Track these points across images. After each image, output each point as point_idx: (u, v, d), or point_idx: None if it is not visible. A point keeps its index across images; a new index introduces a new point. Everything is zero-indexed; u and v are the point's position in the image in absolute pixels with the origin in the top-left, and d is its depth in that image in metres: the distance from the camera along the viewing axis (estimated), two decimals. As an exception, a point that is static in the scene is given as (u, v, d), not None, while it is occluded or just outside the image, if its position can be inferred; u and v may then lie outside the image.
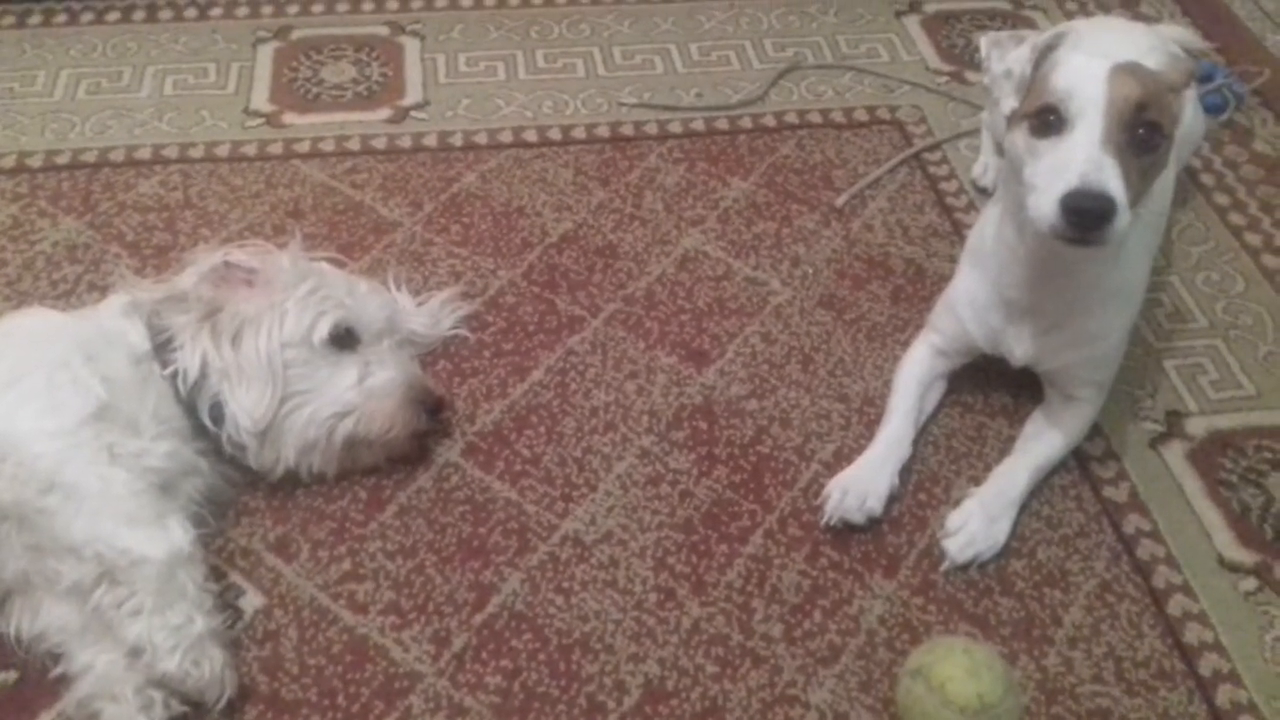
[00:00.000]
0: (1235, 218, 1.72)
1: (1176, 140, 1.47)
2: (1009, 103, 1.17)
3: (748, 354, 1.48)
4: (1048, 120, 1.11)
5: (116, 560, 1.05)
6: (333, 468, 1.28)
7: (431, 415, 1.31)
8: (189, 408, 1.21)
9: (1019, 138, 1.14)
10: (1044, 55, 1.16)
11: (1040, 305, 1.28)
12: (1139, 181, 1.11)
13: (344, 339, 1.27)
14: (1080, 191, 1.06)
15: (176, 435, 1.19)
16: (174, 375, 1.20)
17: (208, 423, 1.21)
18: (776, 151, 1.79)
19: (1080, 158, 1.07)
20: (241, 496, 1.27)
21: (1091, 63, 1.11)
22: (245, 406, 1.21)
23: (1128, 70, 1.10)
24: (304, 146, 1.74)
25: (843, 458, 1.35)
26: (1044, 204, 1.08)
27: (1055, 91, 1.11)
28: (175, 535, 1.08)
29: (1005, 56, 1.18)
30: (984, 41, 1.21)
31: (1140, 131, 1.09)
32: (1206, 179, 1.78)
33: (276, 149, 1.73)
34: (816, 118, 1.86)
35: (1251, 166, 1.81)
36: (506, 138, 1.78)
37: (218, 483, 1.24)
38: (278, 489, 1.28)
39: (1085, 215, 1.06)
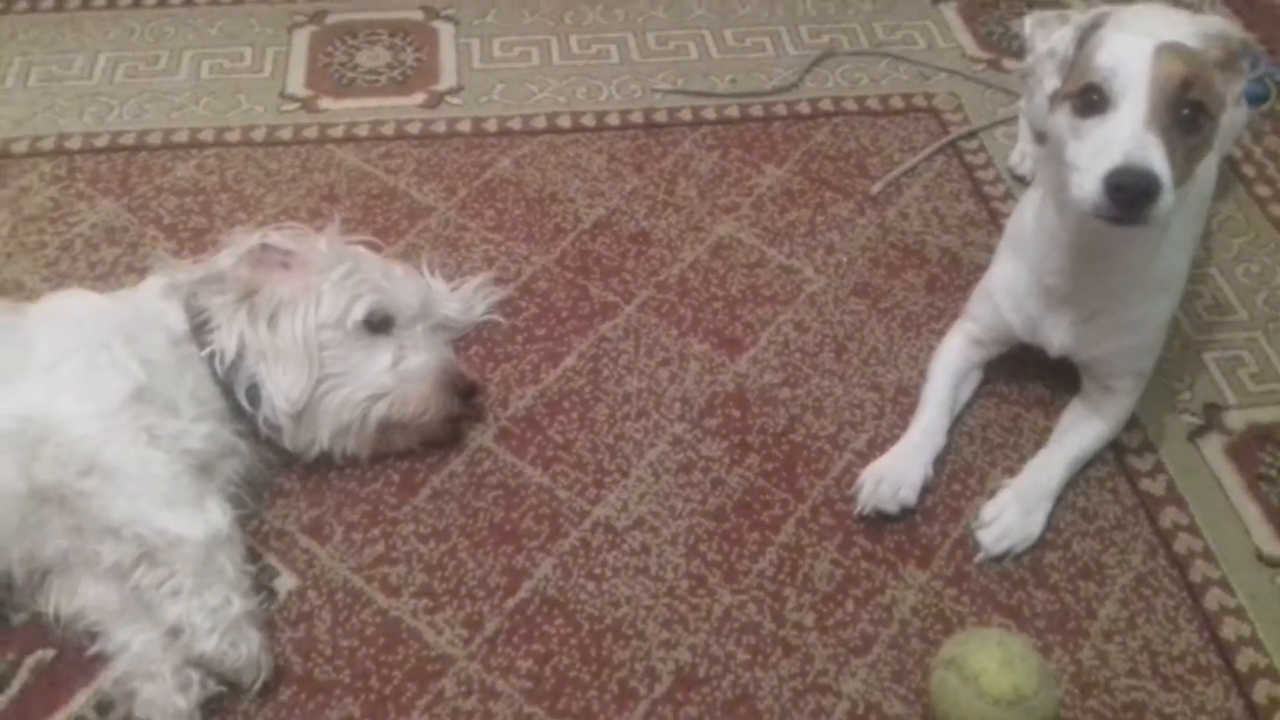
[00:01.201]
0: (1277, 209, 1.70)
1: (1221, 126, 1.46)
2: (1052, 82, 1.16)
3: (781, 342, 1.47)
4: (1091, 99, 1.10)
5: (156, 541, 1.06)
6: (366, 450, 1.29)
7: (465, 400, 1.32)
8: (226, 389, 1.22)
9: (1062, 118, 1.13)
10: (1088, 35, 1.15)
11: (1080, 292, 1.27)
12: (1183, 162, 1.09)
13: (379, 323, 1.28)
14: (1124, 169, 1.04)
15: (214, 416, 1.20)
16: (211, 356, 1.21)
17: (245, 404, 1.22)
18: (811, 139, 1.78)
19: (1125, 135, 1.06)
20: (277, 478, 1.28)
21: (1136, 41, 1.10)
22: (282, 388, 1.22)
23: (1173, 49, 1.09)
24: (339, 131, 1.74)
25: (876, 447, 1.35)
26: (1087, 183, 1.07)
27: (1099, 70, 1.09)
28: (214, 516, 1.09)
29: (1050, 35, 1.17)
30: (1028, 20, 1.20)
31: (1185, 111, 1.07)
32: (1248, 170, 1.76)
33: (312, 133, 1.74)
34: (852, 105, 1.85)
35: (1294, 157, 1.78)
36: (540, 123, 1.78)
37: (255, 464, 1.25)
38: (312, 471, 1.29)
39: (1130, 193, 1.04)
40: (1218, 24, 1.17)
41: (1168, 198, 1.05)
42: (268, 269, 1.26)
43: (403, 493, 1.28)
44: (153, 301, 1.24)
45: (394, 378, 1.27)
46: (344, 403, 1.25)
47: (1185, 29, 1.19)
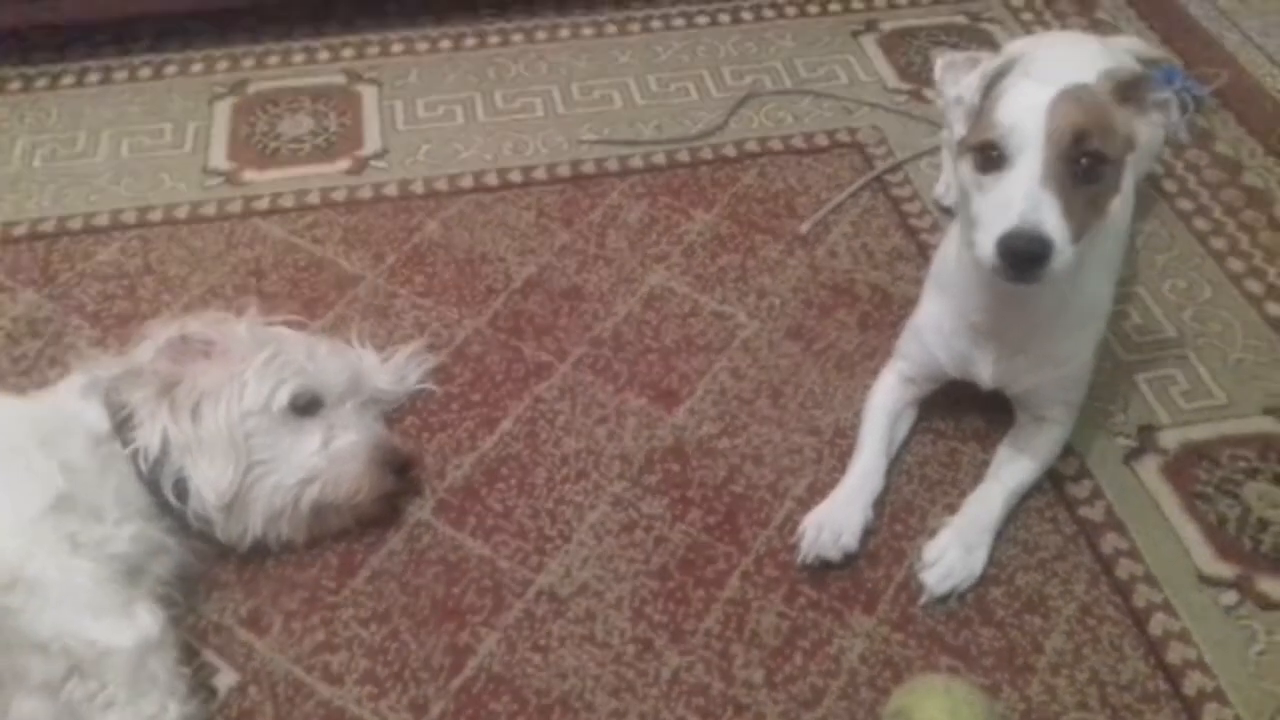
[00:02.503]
0: (1200, 223, 1.72)
1: (1140, 146, 1.48)
2: (959, 129, 1.17)
3: (717, 391, 1.47)
4: (990, 155, 1.11)
5: (85, 653, 1.03)
6: (301, 535, 1.27)
7: (400, 475, 1.31)
8: (152, 486, 1.20)
9: (966, 170, 1.14)
10: (993, 82, 1.16)
11: (1004, 329, 1.28)
12: (1084, 211, 1.11)
13: (306, 404, 1.26)
14: (1015, 234, 1.06)
15: (141, 516, 1.18)
16: (135, 454, 1.19)
17: (172, 500, 1.20)
18: (739, 181, 1.79)
19: (1019, 196, 1.07)
20: (211, 570, 1.26)
21: (1032, 96, 1.11)
22: (209, 480, 1.20)
23: (1071, 99, 1.10)
24: (264, 203, 1.73)
25: (817, 492, 1.35)
26: (985, 243, 1.09)
27: (996, 127, 1.11)
28: (143, 622, 1.07)
29: (959, 80, 1.17)
30: (939, 64, 1.21)
31: (1083, 162, 1.09)
32: (1169, 185, 1.78)
33: (236, 207, 1.72)
34: (777, 144, 1.86)
35: (1214, 170, 1.81)
36: (467, 182, 1.78)
37: (186, 559, 1.22)
38: (248, 560, 1.27)
39: (1022, 256, 1.07)
40: (1131, 45, 1.18)
41: (1062, 257, 1.07)
42: (188, 360, 1.24)
43: (341, 576, 1.26)
44: (71, 401, 1.21)
45: (325, 459, 1.25)
46: (275, 489, 1.24)
47: (1090, 67, 1.21)
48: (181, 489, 1.20)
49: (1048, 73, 1.18)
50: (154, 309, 1.54)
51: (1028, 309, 1.25)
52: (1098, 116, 1.10)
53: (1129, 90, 1.16)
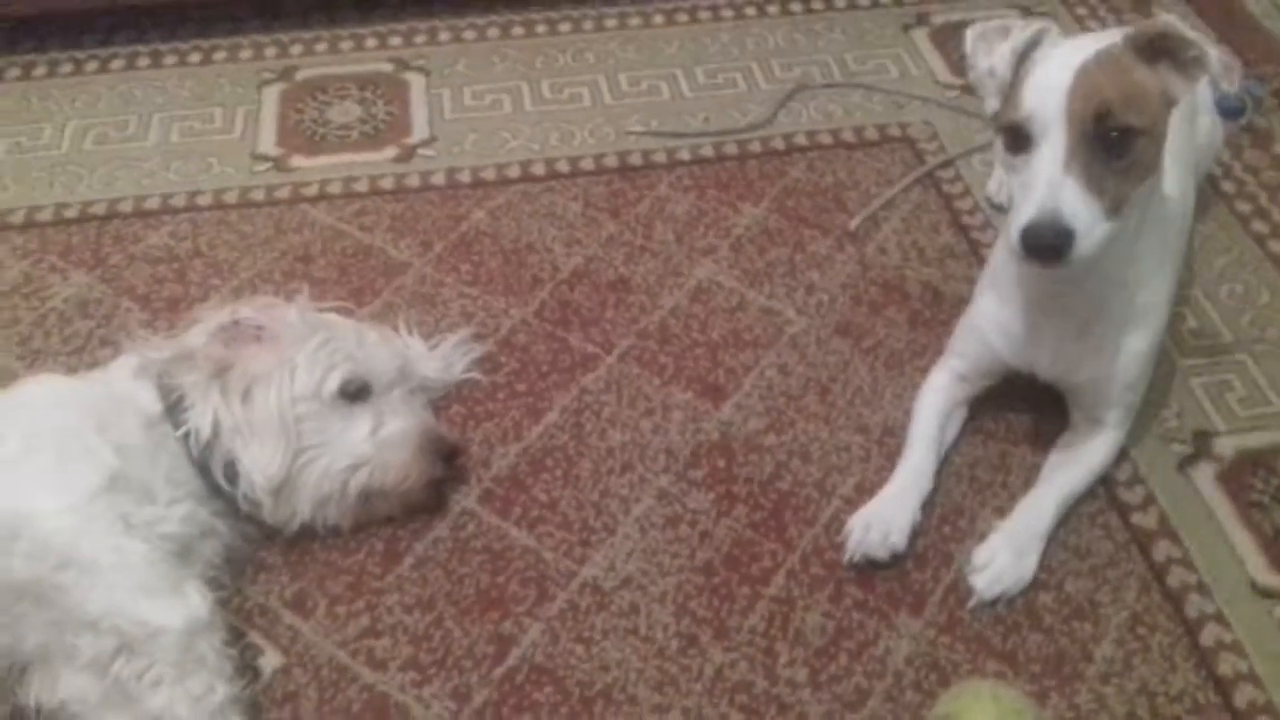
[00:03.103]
0: (1258, 226, 1.69)
1: (1187, 141, 1.44)
2: (993, 103, 1.15)
3: (764, 387, 1.46)
4: (1017, 137, 1.10)
5: (135, 632, 1.04)
6: (348, 520, 1.28)
7: (446, 463, 1.31)
8: (202, 468, 1.20)
9: (1000, 148, 1.13)
10: (1026, 53, 1.13)
11: (1060, 315, 1.27)
12: (1120, 185, 1.09)
13: (355, 391, 1.26)
14: (1036, 225, 1.06)
15: (191, 497, 1.19)
16: (186, 436, 1.20)
17: (222, 482, 1.21)
18: (787, 175, 1.77)
19: (1040, 184, 1.07)
20: (258, 553, 1.26)
21: (1056, 74, 1.08)
22: (259, 464, 1.21)
23: (1092, 75, 1.07)
24: (312, 189, 1.73)
25: (864, 491, 1.33)
26: (1013, 229, 1.09)
27: (1021, 109, 1.09)
28: (193, 603, 1.08)
29: (991, 51, 1.14)
30: (969, 34, 1.17)
31: (1112, 135, 1.07)
32: (1227, 186, 1.75)
33: (284, 193, 1.72)
34: (826, 138, 1.84)
35: (1273, 172, 1.78)
36: (514, 172, 1.77)
37: (235, 541, 1.23)
38: (294, 544, 1.27)
39: (1042, 247, 1.07)
40: (1166, 20, 1.11)
41: (1090, 239, 1.07)
42: (239, 344, 1.24)
43: (386, 562, 1.26)
44: (124, 382, 1.22)
45: (373, 446, 1.26)
46: (323, 474, 1.24)
47: (1120, 32, 1.16)
48: (231, 472, 1.21)
49: (1077, 42, 1.14)
50: (203, 293, 1.54)
51: (1074, 298, 1.24)
52: (1123, 87, 1.08)
53: (1156, 47, 1.11)
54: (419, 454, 1.27)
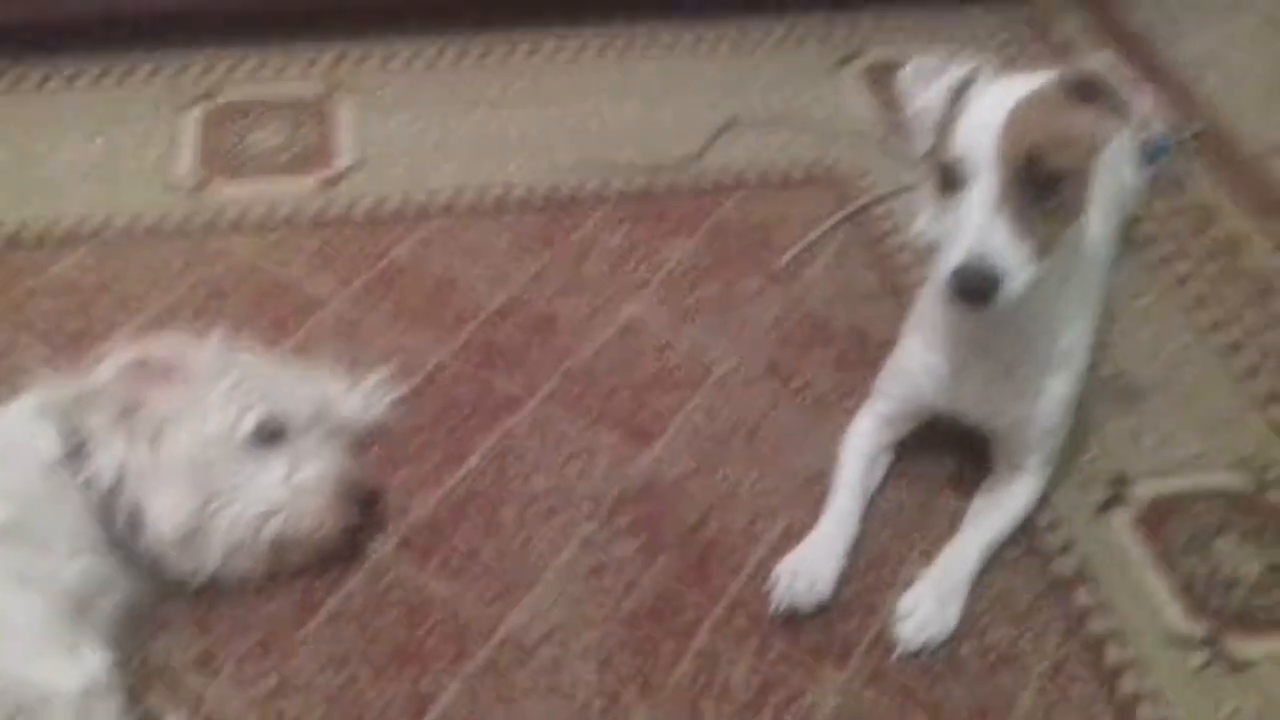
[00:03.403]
0: (1172, 271, 1.72)
1: (1123, 188, 1.47)
2: (927, 141, 1.15)
3: (691, 429, 1.44)
4: (949, 177, 1.10)
5: (26, 697, 0.99)
6: (259, 571, 1.23)
7: (364, 509, 1.27)
8: (105, 517, 1.15)
9: (931, 188, 1.14)
10: (960, 92, 1.13)
11: (985, 357, 1.28)
12: (1047, 229, 1.10)
13: (270, 433, 1.22)
14: (965, 267, 1.07)
15: (92, 549, 1.13)
16: (88, 482, 1.15)
17: (126, 532, 1.16)
18: (718, 211, 1.76)
19: (970, 227, 1.07)
20: (161, 608, 1.21)
21: (988, 115, 1.09)
22: (166, 511, 1.16)
23: (1023, 117, 1.08)
24: (230, 217, 1.68)
25: (792, 536, 1.32)
26: (942, 271, 1.09)
27: (953, 149, 1.10)
28: (89, 664, 1.03)
29: (927, 88, 1.14)
30: (908, 69, 1.17)
31: (1043, 178, 1.08)
32: (1144, 230, 1.78)
33: (200, 222, 1.67)
34: (756, 175, 1.84)
35: (1186, 217, 1.81)
36: (441, 203, 1.74)
37: (137, 596, 1.18)
38: (200, 597, 1.22)
39: (970, 291, 1.07)
40: (1101, 60, 1.13)
41: (1018, 281, 1.07)
42: (148, 383, 1.19)
43: (299, 616, 1.22)
44: (22, 424, 1.17)
45: (288, 491, 1.21)
46: (234, 521, 1.19)
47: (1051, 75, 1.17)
48: (136, 521, 1.16)
49: (1009, 84, 1.14)
50: (110, 328, 1.48)
51: (1010, 332, 1.24)
52: (1054, 129, 1.09)
53: (1087, 90, 1.12)
54: (335, 500, 1.23)
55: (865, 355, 1.54)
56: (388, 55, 2.03)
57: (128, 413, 1.18)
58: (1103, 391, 1.52)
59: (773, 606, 1.25)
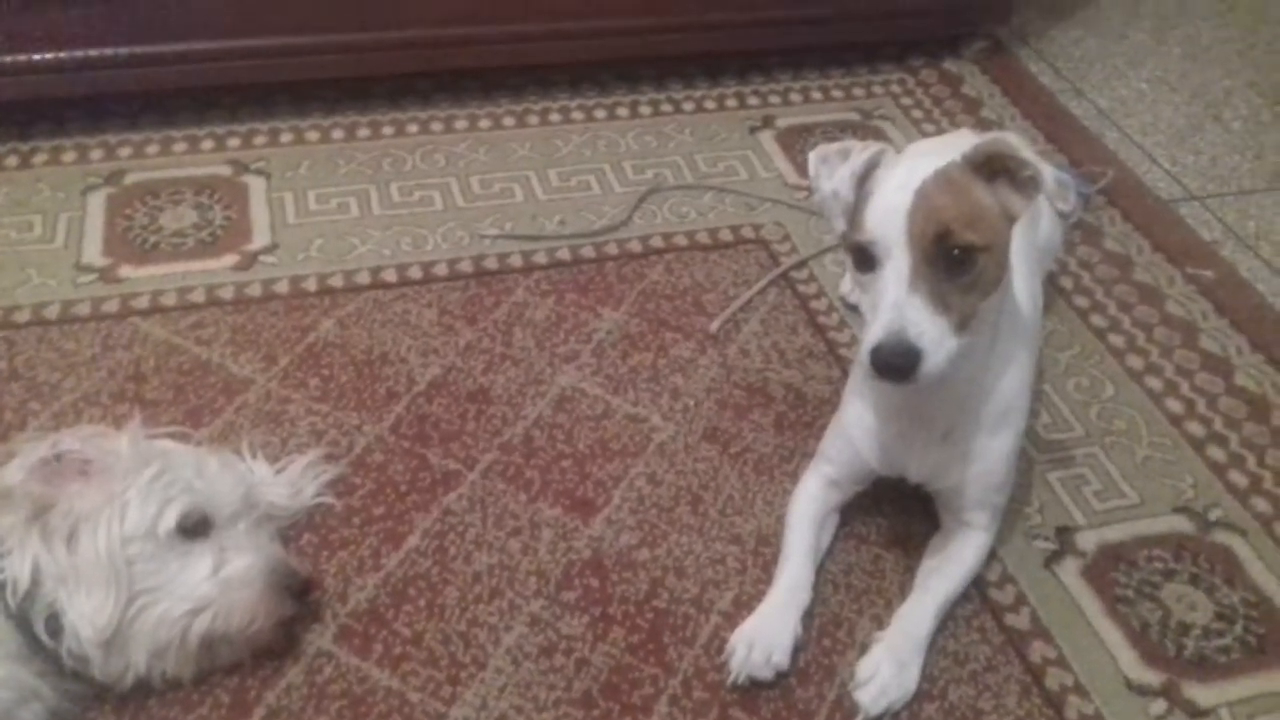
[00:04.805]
0: (1097, 319, 1.76)
1: (1040, 246, 1.50)
2: (840, 224, 1.16)
3: (634, 499, 1.41)
4: (863, 257, 1.11)
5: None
6: (189, 671, 1.16)
7: (298, 599, 1.21)
8: (21, 623, 1.08)
9: (848, 266, 1.14)
10: (866, 174, 1.14)
11: (922, 422, 1.28)
12: (963, 303, 1.10)
13: (195, 526, 1.16)
14: (884, 346, 1.07)
15: (8, 658, 1.06)
16: (1, 587, 1.07)
17: (44, 638, 1.08)
18: (646, 277, 1.76)
19: (886, 305, 1.08)
20: (87, 714, 1.13)
21: (895, 197, 1.10)
22: (86, 614, 1.09)
23: (932, 196, 1.09)
24: (143, 301, 1.62)
25: (742, 605, 1.29)
26: (863, 349, 1.10)
27: (864, 231, 1.11)
28: (8, 784, 0.95)
29: (833, 174, 1.15)
30: (812, 158, 1.19)
31: (955, 254, 1.08)
32: (1065, 282, 1.82)
33: (112, 306, 1.60)
34: (682, 240, 1.84)
35: (1106, 266, 1.86)
36: (364, 279, 1.70)
37: (60, 704, 1.10)
38: (127, 701, 1.14)
39: (891, 368, 1.07)
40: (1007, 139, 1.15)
41: (937, 356, 1.08)
42: (62, 480, 1.12)
43: (233, 716, 1.15)
44: (-73, 529, 1.09)
45: (216, 586, 1.15)
46: (160, 621, 1.12)
47: (958, 150, 1.19)
48: (55, 625, 1.08)
49: (914, 164, 1.14)
50: (20, 420, 1.41)
51: (943, 399, 1.24)
52: (962, 207, 1.10)
53: (994, 165, 1.13)
54: (267, 592, 1.17)
55: (804, 415, 1.54)
56: (300, 130, 2.00)
57: (40, 512, 1.11)
58: (1041, 443, 1.54)
59: (730, 677, 1.21)
